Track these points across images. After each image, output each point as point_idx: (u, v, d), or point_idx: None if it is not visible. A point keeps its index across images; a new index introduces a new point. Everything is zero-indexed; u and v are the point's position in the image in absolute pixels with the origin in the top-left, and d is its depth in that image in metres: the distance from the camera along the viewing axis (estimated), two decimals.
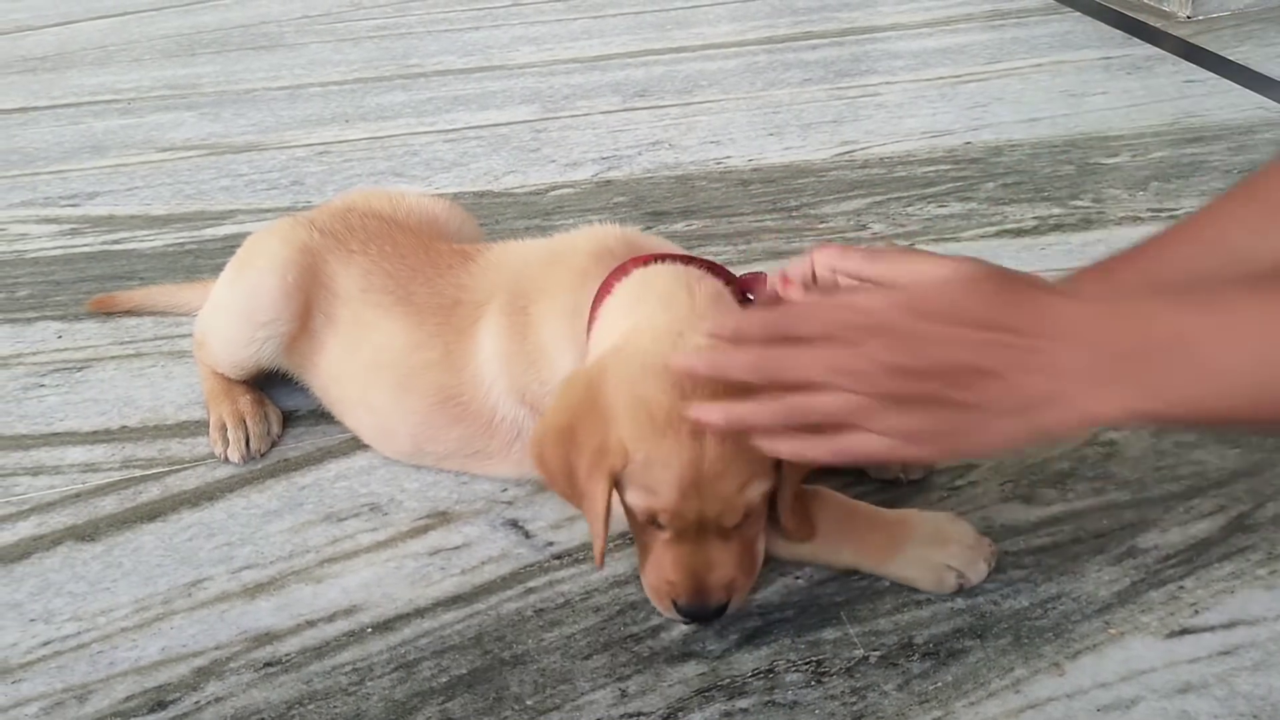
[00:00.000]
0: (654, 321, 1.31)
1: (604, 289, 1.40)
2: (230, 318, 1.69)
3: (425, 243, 1.66)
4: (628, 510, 1.30)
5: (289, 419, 1.74)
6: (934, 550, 1.35)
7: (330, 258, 1.65)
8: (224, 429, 1.67)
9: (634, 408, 1.24)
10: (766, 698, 1.25)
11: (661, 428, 1.22)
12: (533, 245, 1.60)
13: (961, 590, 1.35)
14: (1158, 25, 3.19)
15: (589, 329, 1.40)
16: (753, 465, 1.24)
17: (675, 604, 1.29)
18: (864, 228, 2.20)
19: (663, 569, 1.29)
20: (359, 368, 1.61)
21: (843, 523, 1.38)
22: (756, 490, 1.26)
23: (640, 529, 1.31)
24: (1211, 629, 1.29)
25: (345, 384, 1.64)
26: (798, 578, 1.39)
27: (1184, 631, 1.29)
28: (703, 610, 1.29)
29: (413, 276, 1.60)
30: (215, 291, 1.75)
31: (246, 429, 1.67)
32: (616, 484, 1.27)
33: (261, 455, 1.66)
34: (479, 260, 1.60)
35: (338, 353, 1.63)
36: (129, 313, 2.04)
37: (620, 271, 1.40)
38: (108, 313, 2.04)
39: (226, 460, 1.65)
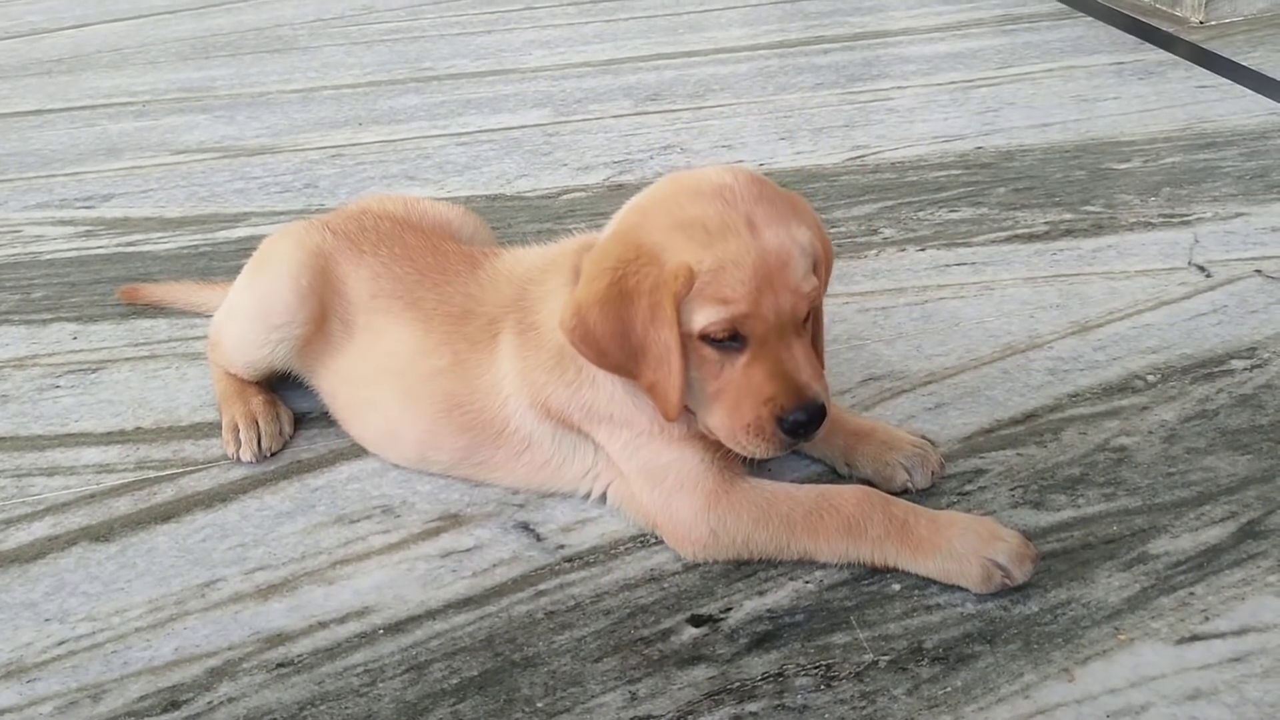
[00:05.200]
0: (649, 193, 1.40)
1: None
2: (245, 319, 1.70)
3: (434, 244, 1.68)
4: (695, 354, 1.32)
5: (301, 421, 1.75)
6: (983, 545, 1.35)
7: (343, 260, 1.66)
8: (236, 429, 1.68)
9: (686, 228, 1.31)
10: (776, 701, 1.25)
11: (722, 232, 1.30)
12: (531, 255, 1.62)
13: (1005, 589, 1.34)
14: (1170, 30, 3.19)
15: None
16: (805, 252, 1.33)
17: (781, 420, 1.31)
18: (875, 232, 2.21)
19: (754, 391, 1.32)
20: (369, 371, 1.62)
21: (889, 521, 1.39)
22: (811, 279, 1.34)
23: (711, 373, 1.34)
24: (1222, 635, 1.29)
25: (356, 387, 1.65)
26: (807, 582, 1.40)
27: (1194, 638, 1.29)
28: (813, 408, 1.32)
29: (420, 280, 1.62)
30: (231, 293, 1.76)
31: (259, 429, 1.68)
32: (679, 320, 1.30)
33: (273, 455, 1.67)
34: (485, 268, 1.62)
35: (348, 355, 1.64)
36: (153, 304, 2.06)
37: None
38: (133, 303, 2.06)
39: (239, 460, 1.66)
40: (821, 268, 1.38)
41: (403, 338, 1.58)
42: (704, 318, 1.30)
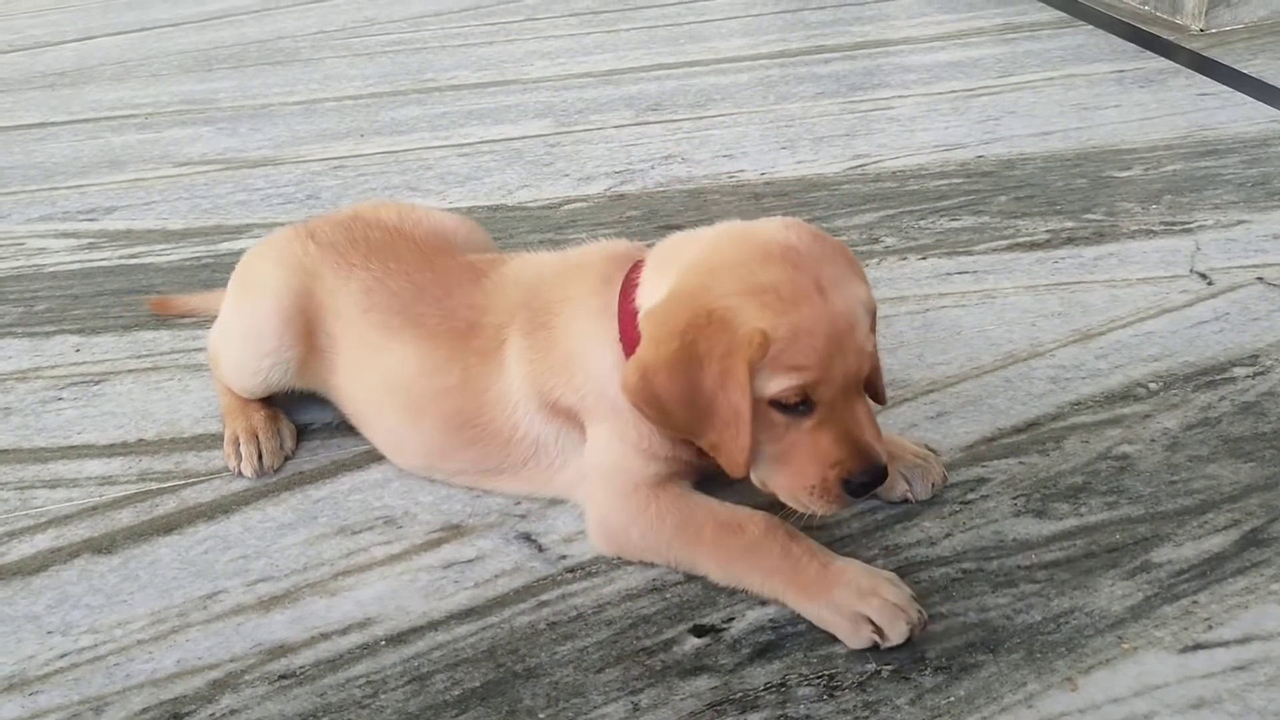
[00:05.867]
0: (713, 252, 1.36)
1: (628, 284, 1.44)
2: (236, 347, 1.70)
3: (430, 257, 1.66)
4: (761, 418, 1.31)
5: (303, 433, 1.75)
6: (858, 601, 1.33)
7: (329, 273, 1.65)
8: (237, 443, 1.68)
9: (759, 294, 1.29)
10: (779, 712, 1.25)
11: (794, 300, 1.29)
12: (545, 259, 1.61)
13: (876, 648, 1.31)
14: (1171, 38, 3.19)
15: (620, 326, 1.43)
16: (867, 310, 1.33)
17: (846, 483, 1.31)
18: (876, 241, 2.21)
19: (820, 455, 1.32)
20: (370, 388, 1.62)
21: (784, 555, 1.38)
22: (872, 338, 1.34)
23: (775, 435, 1.33)
24: (1225, 644, 1.29)
25: (358, 402, 1.65)
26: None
27: (1197, 646, 1.29)
28: (876, 470, 1.32)
29: (419, 296, 1.60)
30: (221, 314, 1.76)
31: (259, 444, 1.68)
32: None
33: (274, 471, 1.67)
34: (491, 276, 1.60)
35: (346, 372, 1.64)
36: (186, 314, 2.06)
37: (637, 268, 1.44)
38: (163, 314, 2.07)
39: (240, 475, 1.66)
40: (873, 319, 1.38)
41: (405, 355, 1.57)
42: (777, 384, 1.29)
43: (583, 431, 1.50)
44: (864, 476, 1.32)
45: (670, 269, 1.39)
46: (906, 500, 1.51)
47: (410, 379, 1.57)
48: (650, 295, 1.39)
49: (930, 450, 1.57)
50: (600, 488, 1.48)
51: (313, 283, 1.65)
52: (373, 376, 1.61)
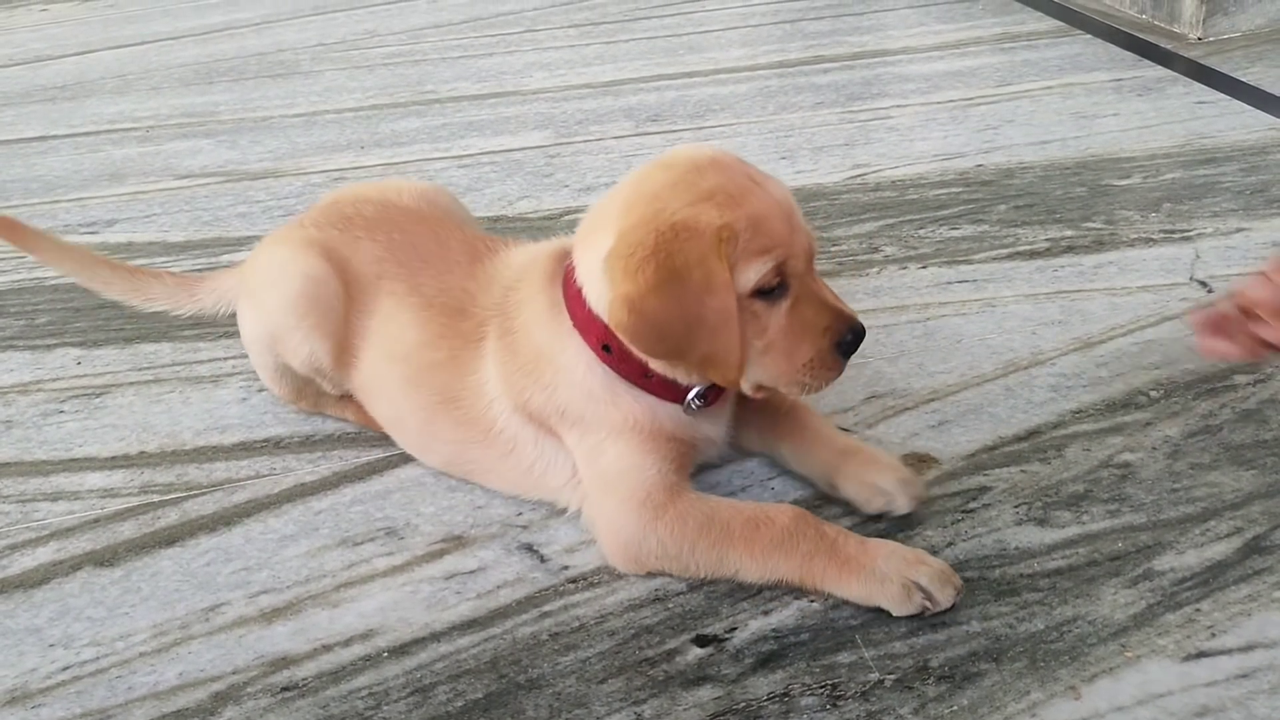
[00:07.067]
0: (644, 183, 1.43)
1: (568, 274, 1.49)
2: (279, 332, 1.68)
3: (432, 228, 1.69)
4: (745, 316, 1.37)
5: (304, 444, 1.75)
6: (906, 567, 1.36)
7: (339, 246, 1.67)
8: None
9: (710, 197, 1.36)
10: None
11: (743, 194, 1.37)
12: (515, 257, 1.62)
13: (925, 614, 1.35)
14: (1169, 47, 3.20)
15: (570, 313, 1.47)
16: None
17: (840, 344, 1.40)
18: (876, 250, 2.21)
19: (807, 328, 1.39)
20: (377, 355, 1.63)
21: (820, 538, 1.39)
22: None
23: (758, 330, 1.39)
24: (1228, 652, 1.29)
25: (365, 373, 1.66)
26: (812, 601, 1.39)
27: (1201, 654, 1.29)
28: (859, 326, 1.41)
29: (423, 267, 1.63)
30: (249, 331, 1.74)
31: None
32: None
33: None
34: (484, 264, 1.62)
35: (362, 338, 1.65)
36: (26, 250, 1.92)
37: (571, 261, 1.49)
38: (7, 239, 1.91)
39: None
40: None
41: (406, 325, 1.60)
42: (755, 271, 1.36)
43: (558, 439, 1.51)
44: (851, 334, 1.40)
45: (601, 231, 1.43)
46: (888, 513, 1.51)
47: (410, 349, 1.59)
48: (589, 267, 1.44)
49: (922, 462, 1.58)
50: (607, 501, 1.47)
51: (328, 253, 1.66)
52: (381, 344, 1.63)
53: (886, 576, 1.35)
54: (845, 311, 1.41)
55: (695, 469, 1.55)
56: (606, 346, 1.45)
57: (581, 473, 1.51)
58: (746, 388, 1.44)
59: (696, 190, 1.37)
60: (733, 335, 1.36)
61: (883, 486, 1.50)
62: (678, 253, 1.34)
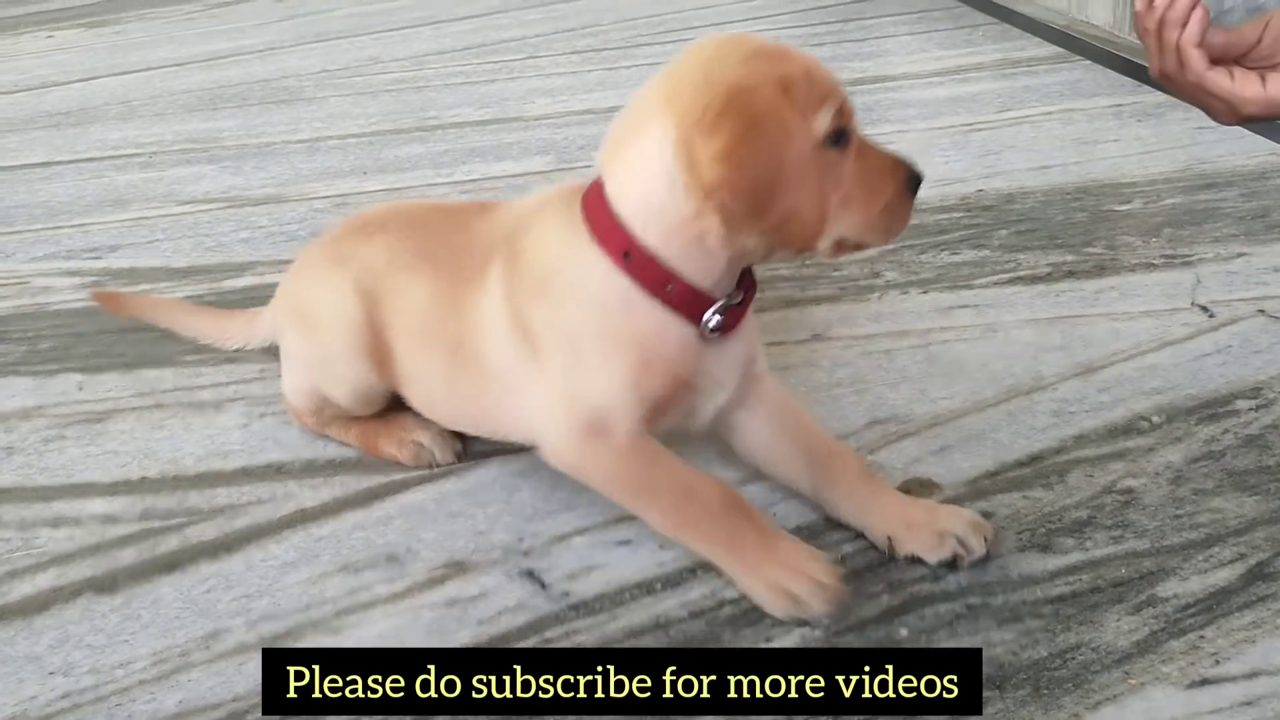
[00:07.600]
0: (689, 62, 1.43)
1: (588, 195, 1.47)
2: (327, 355, 1.69)
3: (443, 207, 1.74)
4: (820, 165, 1.36)
5: (306, 470, 1.75)
6: (787, 576, 1.38)
7: (358, 245, 1.69)
8: (408, 444, 1.72)
9: (756, 58, 1.36)
10: None
11: (785, 54, 1.38)
12: (526, 200, 1.63)
13: (957, 562, 1.41)
14: None
15: (589, 221, 1.45)
16: None
17: (909, 180, 1.44)
18: (877, 275, 2.22)
19: (881, 168, 1.43)
20: (399, 332, 1.64)
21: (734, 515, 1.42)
22: None
23: (833, 182, 1.38)
24: (1233, 679, 1.28)
25: (400, 356, 1.65)
26: (814, 629, 1.39)
27: (1205, 682, 1.28)
28: (917, 166, 1.46)
29: (430, 235, 1.66)
30: (292, 354, 1.76)
31: (428, 433, 1.72)
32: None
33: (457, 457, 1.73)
34: (498, 210, 1.64)
35: (392, 332, 1.65)
36: (131, 317, 2.03)
37: (594, 184, 1.48)
38: (110, 310, 2.03)
39: (433, 465, 1.71)
40: None
41: (421, 291, 1.61)
42: (823, 119, 1.36)
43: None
44: (918, 170, 1.45)
45: (638, 132, 1.42)
46: (958, 559, 1.45)
47: (424, 313, 1.60)
48: (631, 163, 1.43)
49: (910, 491, 1.58)
50: (563, 417, 1.47)
51: (358, 269, 1.66)
52: (398, 322, 1.63)
53: (771, 583, 1.38)
54: (899, 153, 1.45)
55: (688, 439, 1.56)
56: (627, 254, 1.42)
57: (550, 377, 1.48)
58: (825, 245, 1.41)
59: (739, 55, 1.36)
60: (815, 185, 1.35)
61: (954, 534, 1.45)
62: (749, 105, 1.32)
